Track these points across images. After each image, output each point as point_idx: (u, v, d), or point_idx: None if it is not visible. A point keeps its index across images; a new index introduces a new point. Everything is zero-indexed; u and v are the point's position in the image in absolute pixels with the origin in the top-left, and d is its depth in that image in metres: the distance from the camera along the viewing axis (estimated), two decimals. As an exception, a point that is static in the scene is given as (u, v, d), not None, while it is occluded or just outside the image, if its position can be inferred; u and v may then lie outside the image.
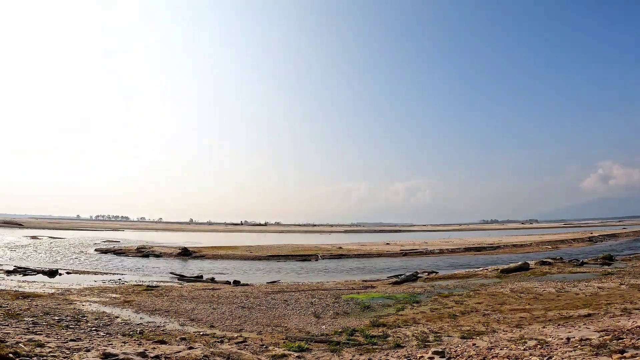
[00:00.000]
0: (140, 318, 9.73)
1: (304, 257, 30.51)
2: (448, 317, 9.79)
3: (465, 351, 6.45)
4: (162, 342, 7.09)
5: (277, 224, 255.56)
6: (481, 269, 20.57)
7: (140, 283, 16.93)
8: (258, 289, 15.89)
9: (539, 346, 5.98)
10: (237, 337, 7.89)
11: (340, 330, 8.87)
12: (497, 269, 19.39)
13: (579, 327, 7.16)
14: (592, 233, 55.59)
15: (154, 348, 6.47)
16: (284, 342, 7.58)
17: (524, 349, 5.94)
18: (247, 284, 17.47)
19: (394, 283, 17.22)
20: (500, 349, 6.25)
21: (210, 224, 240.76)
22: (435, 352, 6.29)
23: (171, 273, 21.30)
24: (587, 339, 5.90)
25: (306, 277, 21.42)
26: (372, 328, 8.95)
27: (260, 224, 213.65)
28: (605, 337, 5.93)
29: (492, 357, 5.76)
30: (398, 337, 8.05)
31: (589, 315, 8.42)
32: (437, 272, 20.38)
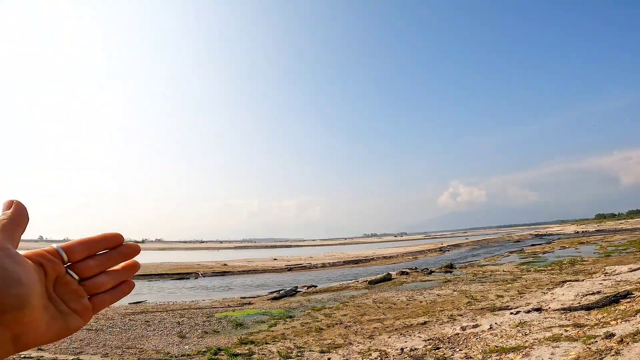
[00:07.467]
0: None
1: (182, 275, 28.70)
2: (315, 331, 10.38)
3: (321, 366, 7.03)
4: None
5: (158, 241, 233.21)
6: (353, 281, 22.56)
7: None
8: (115, 310, 14.40)
9: (379, 358, 6.89)
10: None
11: (204, 349, 8.61)
12: (367, 281, 21.56)
13: (414, 335, 8.50)
14: (442, 244, 66.69)
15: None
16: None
17: (368, 361, 6.78)
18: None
19: (273, 299, 17.43)
20: (350, 362, 6.96)
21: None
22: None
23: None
24: (415, 349, 7.07)
25: (181, 296, 20.15)
26: (239, 346, 8.91)
27: (136, 242, 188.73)
28: (428, 346, 7.21)
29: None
30: (263, 354, 8.17)
31: (425, 323, 10.06)
32: (316, 286, 21.45)
